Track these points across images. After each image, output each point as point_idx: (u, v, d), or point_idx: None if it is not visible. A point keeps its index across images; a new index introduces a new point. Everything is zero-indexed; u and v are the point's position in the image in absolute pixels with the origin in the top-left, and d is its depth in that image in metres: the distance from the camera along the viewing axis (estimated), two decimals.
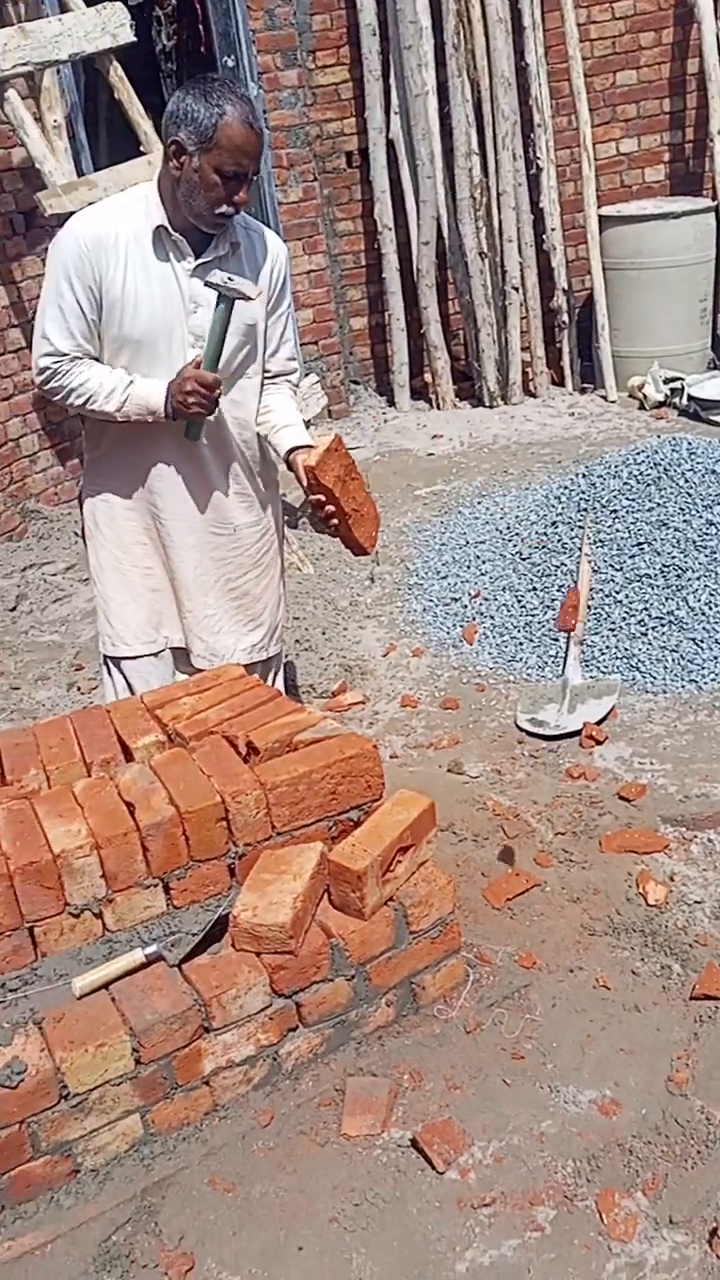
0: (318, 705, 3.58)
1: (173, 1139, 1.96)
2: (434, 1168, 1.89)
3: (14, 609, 4.49)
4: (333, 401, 6.40)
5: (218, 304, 2.42)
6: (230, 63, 6.01)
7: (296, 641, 3.93)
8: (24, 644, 4.25)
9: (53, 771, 2.26)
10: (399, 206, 6.36)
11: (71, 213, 2.89)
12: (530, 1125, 1.96)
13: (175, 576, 2.70)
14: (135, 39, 5.09)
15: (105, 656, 2.83)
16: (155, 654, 2.77)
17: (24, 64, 4.72)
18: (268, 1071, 2.04)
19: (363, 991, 2.11)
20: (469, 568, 4.26)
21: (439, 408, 6.51)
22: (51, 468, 5.58)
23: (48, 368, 2.49)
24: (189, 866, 2.07)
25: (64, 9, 5.01)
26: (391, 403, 6.65)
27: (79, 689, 3.86)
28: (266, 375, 2.69)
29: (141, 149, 5.06)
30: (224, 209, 2.38)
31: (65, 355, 2.47)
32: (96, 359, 2.51)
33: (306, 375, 2.89)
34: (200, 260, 2.46)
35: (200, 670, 2.72)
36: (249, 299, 2.44)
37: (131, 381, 2.49)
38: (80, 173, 5.26)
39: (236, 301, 2.44)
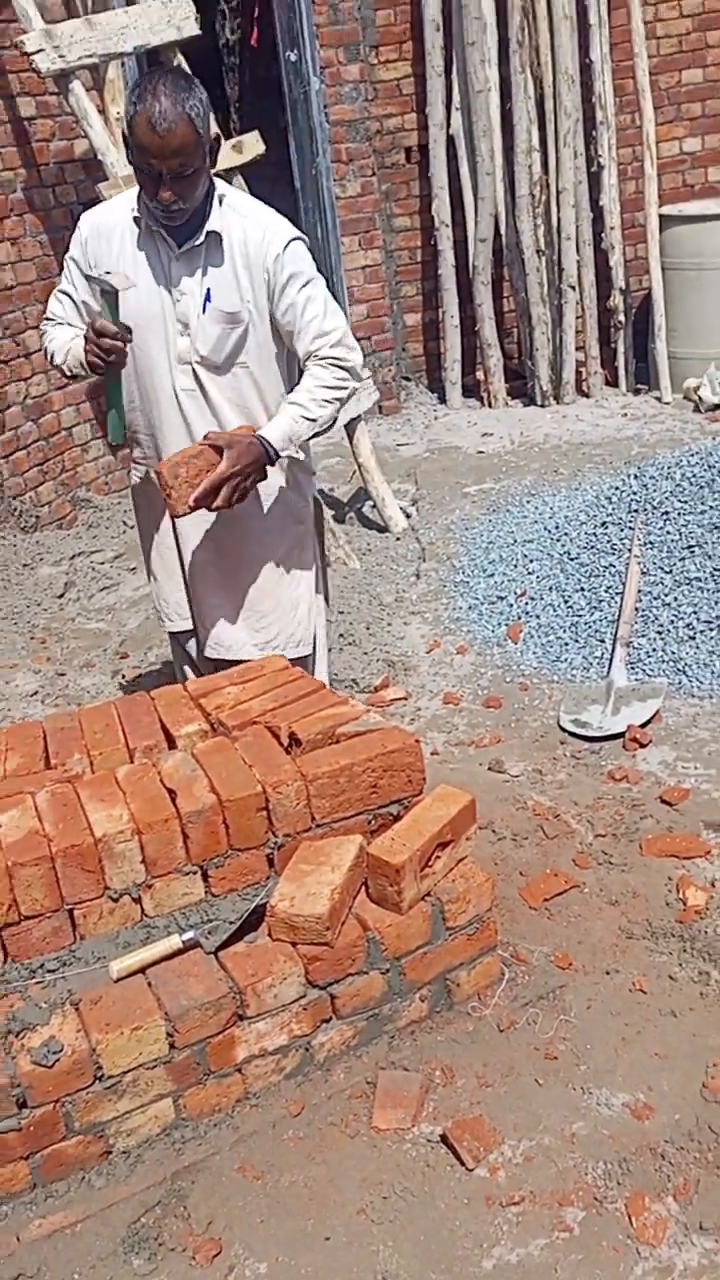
0: (360, 700, 3.58)
1: (204, 1124, 1.98)
2: (463, 1164, 1.89)
3: (62, 596, 4.54)
4: (384, 398, 6.40)
5: (101, 293, 2.50)
6: (293, 57, 6.03)
7: (340, 636, 3.94)
8: (71, 631, 4.29)
9: (96, 756, 2.29)
10: (457, 203, 6.34)
11: None
12: (561, 1126, 1.95)
13: (183, 563, 2.77)
14: (200, 32, 5.12)
15: (168, 632, 2.99)
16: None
17: (89, 56, 4.76)
18: (300, 1061, 2.05)
19: (397, 985, 2.11)
20: (516, 566, 4.24)
21: (490, 406, 6.48)
22: (103, 457, 5.63)
23: (41, 328, 2.73)
24: (228, 855, 2.08)
25: (130, 1, 5.05)
26: (443, 400, 6.63)
27: (123, 677, 3.90)
28: (300, 359, 2.60)
29: None
30: (153, 204, 2.40)
31: (52, 320, 2.67)
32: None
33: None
34: (182, 249, 2.49)
35: (211, 660, 2.81)
36: (114, 289, 2.45)
37: (76, 336, 2.61)
38: None
39: (206, 291, 2.50)
